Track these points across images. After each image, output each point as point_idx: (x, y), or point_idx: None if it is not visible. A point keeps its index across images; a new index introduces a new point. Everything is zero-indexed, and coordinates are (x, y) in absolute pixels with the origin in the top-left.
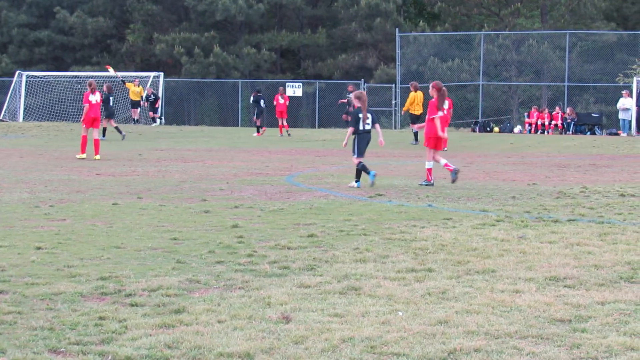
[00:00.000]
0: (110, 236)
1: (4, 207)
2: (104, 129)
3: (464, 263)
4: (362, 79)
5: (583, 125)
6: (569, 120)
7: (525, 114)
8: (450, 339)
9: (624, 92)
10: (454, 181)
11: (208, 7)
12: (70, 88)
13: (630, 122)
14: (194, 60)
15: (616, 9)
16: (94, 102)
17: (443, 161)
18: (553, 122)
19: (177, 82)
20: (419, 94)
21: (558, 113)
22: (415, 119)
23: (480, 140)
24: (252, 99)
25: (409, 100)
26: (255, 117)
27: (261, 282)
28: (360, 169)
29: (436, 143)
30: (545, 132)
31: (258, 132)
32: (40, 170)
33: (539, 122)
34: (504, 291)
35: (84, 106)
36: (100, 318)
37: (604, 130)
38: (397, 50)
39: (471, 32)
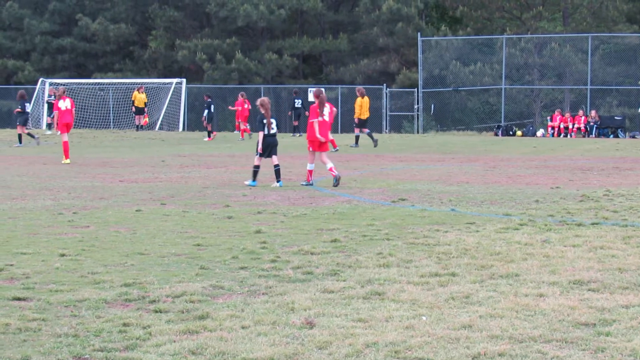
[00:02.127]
0: (133, 242)
1: (28, 215)
2: (20, 135)
3: (487, 267)
4: (385, 84)
5: (606, 128)
6: (592, 124)
7: (548, 118)
8: (474, 344)
9: None
10: (335, 186)
11: (230, 13)
12: (93, 95)
13: None
14: (216, 67)
15: (639, 11)
16: (63, 108)
17: (329, 165)
18: (576, 126)
19: (199, 89)
20: (366, 99)
21: (581, 116)
22: (364, 123)
23: (503, 144)
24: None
25: (357, 106)
26: (206, 122)
27: (285, 288)
28: (253, 172)
29: (320, 145)
30: (568, 135)
31: (209, 136)
32: (63, 177)
33: (562, 126)
34: (527, 295)
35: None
36: (124, 324)
37: (627, 133)
38: (419, 55)
39: (493, 36)
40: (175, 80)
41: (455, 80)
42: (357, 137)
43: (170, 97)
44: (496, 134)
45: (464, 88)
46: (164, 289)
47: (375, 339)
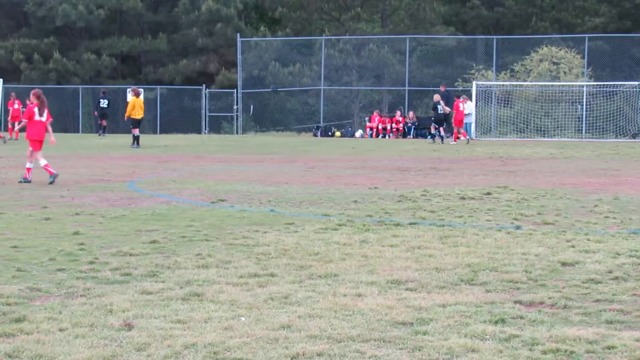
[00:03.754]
0: None
1: None
2: None
3: (306, 267)
4: (204, 84)
5: (424, 129)
6: (409, 125)
7: (367, 119)
8: (293, 344)
9: (461, 98)
10: (51, 183)
11: (48, 13)
12: None
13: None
14: (34, 67)
15: (455, 13)
16: None
17: (43, 162)
18: (394, 127)
19: (16, 89)
20: (139, 99)
21: (399, 117)
22: (137, 123)
23: (322, 144)
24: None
25: (130, 106)
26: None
27: (103, 289)
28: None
29: (40, 145)
30: (387, 136)
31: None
32: None
33: (380, 127)
34: (346, 295)
35: None
36: None
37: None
38: (239, 56)
39: (312, 37)
40: None
41: (275, 80)
42: (136, 138)
43: None
44: (315, 135)
45: (283, 89)
46: None
47: (194, 340)
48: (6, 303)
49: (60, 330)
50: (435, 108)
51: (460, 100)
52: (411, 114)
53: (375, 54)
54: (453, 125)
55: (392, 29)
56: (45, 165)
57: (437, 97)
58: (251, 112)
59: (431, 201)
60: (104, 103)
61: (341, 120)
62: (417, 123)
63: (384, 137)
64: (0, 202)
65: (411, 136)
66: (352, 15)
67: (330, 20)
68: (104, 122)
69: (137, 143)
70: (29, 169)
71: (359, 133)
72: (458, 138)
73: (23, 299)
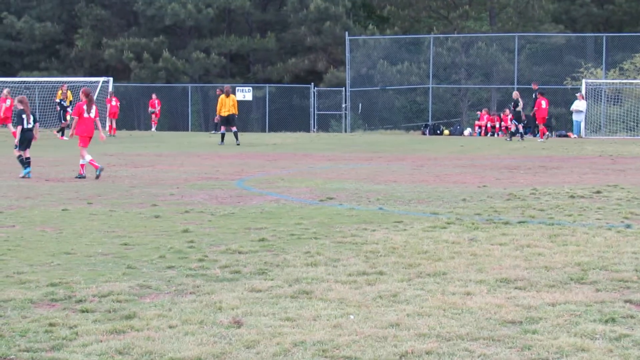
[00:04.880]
0: (60, 242)
1: None
2: None
3: (415, 266)
4: (312, 83)
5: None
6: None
7: (478, 113)
8: (402, 342)
9: (578, 94)
10: (97, 177)
11: (157, 12)
12: (18, 94)
13: (581, 123)
14: (143, 65)
15: (564, 11)
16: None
17: (88, 158)
18: (503, 125)
19: (126, 87)
20: (229, 98)
21: (507, 115)
22: (224, 120)
23: (430, 143)
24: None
25: (219, 104)
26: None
27: (212, 287)
28: (19, 161)
29: (88, 141)
30: (495, 134)
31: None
32: None
33: (489, 125)
34: (455, 293)
35: None
36: (51, 324)
37: (553, 132)
38: (347, 54)
39: (420, 35)
40: (102, 79)
41: (383, 79)
42: (222, 135)
43: (97, 96)
44: (423, 133)
45: (392, 87)
46: (91, 288)
47: (303, 337)
48: (117, 300)
49: (170, 327)
50: (516, 105)
51: (542, 97)
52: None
53: (483, 52)
54: (537, 122)
55: (500, 27)
56: (91, 161)
57: (516, 94)
58: (359, 110)
59: (540, 200)
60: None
61: (449, 119)
62: (525, 121)
63: (492, 135)
64: (110, 200)
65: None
66: (460, 13)
67: (439, 18)
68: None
69: (223, 140)
70: (82, 165)
71: (467, 131)
72: (544, 134)
73: (133, 296)
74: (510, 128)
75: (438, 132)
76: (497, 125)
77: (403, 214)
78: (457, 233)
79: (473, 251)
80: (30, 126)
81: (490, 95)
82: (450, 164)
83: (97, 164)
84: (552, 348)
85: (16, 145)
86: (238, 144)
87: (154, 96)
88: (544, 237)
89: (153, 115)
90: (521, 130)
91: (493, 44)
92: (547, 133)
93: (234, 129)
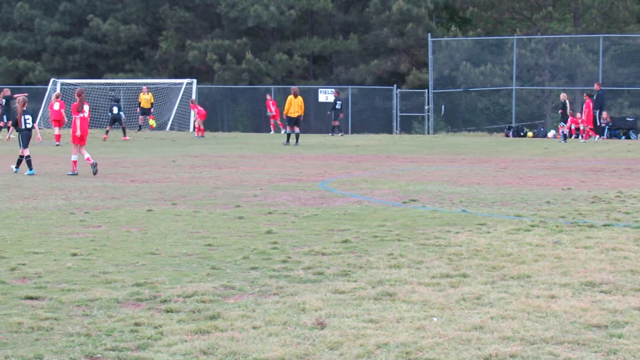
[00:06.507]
0: (145, 242)
1: (39, 214)
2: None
3: (498, 268)
4: (395, 84)
5: (617, 129)
6: (603, 125)
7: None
8: (486, 345)
9: None
10: (94, 173)
11: (240, 14)
12: (104, 95)
13: None
14: (227, 67)
15: None
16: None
17: (86, 155)
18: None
19: (209, 89)
20: (296, 99)
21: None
22: (291, 121)
23: (514, 145)
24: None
25: (287, 104)
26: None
27: (296, 288)
28: (21, 159)
29: (80, 139)
30: (580, 136)
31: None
32: (74, 177)
33: (573, 127)
34: (539, 297)
35: None
36: (136, 324)
37: (638, 135)
38: (430, 56)
39: (503, 37)
40: (185, 81)
41: (466, 80)
42: (288, 135)
43: (181, 98)
44: (507, 135)
45: (475, 89)
46: (176, 288)
47: (387, 339)
48: (201, 300)
49: (254, 328)
50: (564, 107)
51: (590, 99)
52: (605, 114)
53: (567, 54)
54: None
55: (584, 28)
56: (74, 161)
57: (563, 95)
58: (442, 112)
59: (626, 202)
60: (338, 105)
61: (533, 120)
62: (611, 123)
63: (577, 137)
64: (194, 201)
65: (605, 137)
66: (543, 15)
67: (522, 20)
68: (336, 122)
69: (288, 140)
70: (74, 162)
71: (551, 133)
72: (589, 136)
73: (217, 296)
74: (582, 131)
75: (521, 134)
76: (582, 128)
77: (486, 216)
78: (541, 236)
79: (557, 254)
80: (29, 126)
81: (574, 97)
82: (534, 166)
83: (75, 168)
84: (638, 353)
85: (21, 146)
86: (297, 145)
87: (268, 97)
88: (630, 241)
89: (272, 119)
90: (566, 131)
91: (577, 45)
92: (593, 135)
93: (298, 130)
